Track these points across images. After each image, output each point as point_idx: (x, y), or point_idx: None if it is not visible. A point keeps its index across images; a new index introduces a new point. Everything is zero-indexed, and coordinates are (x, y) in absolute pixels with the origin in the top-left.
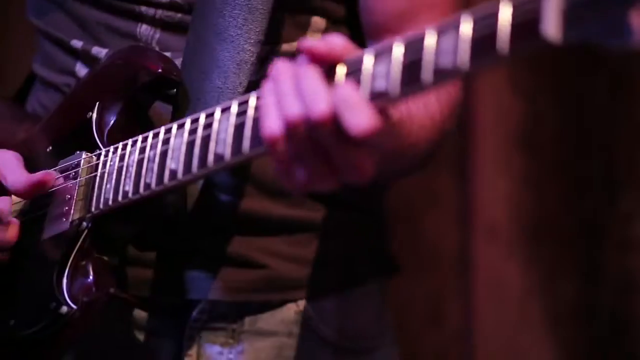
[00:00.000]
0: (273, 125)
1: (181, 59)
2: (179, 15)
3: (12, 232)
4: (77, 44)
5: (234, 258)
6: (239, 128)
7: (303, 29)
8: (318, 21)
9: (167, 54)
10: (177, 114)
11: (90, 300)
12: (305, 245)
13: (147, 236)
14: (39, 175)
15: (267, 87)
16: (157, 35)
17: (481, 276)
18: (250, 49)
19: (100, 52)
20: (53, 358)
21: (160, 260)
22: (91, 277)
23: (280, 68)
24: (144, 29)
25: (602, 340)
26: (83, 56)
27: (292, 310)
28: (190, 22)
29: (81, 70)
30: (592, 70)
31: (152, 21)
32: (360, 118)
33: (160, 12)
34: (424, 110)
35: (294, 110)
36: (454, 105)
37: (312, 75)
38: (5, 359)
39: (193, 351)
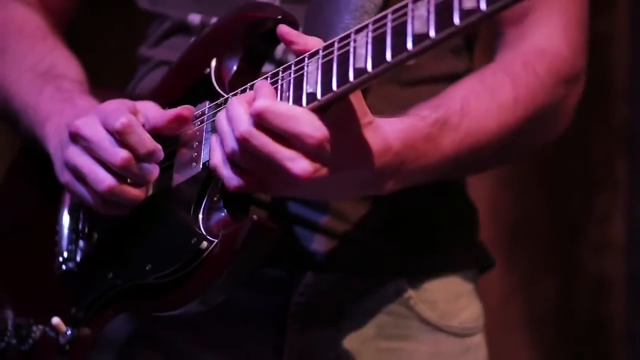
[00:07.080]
0: None
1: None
2: None
3: (155, 171)
4: (194, 18)
5: (336, 234)
6: (379, 38)
7: None
8: None
9: None
10: None
11: (230, 232)
12: (405, 228)
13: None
14: (177, 109)
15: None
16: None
17: None
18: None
19: None
20: (184, 302)
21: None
22: (225, 212)
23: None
24: None
25: (580, 341)
26: (201, 30)
27: (391, 289)
28: None
29: None
30: None
31: None
32: None
33: None
34: (487, 98)
35: None
36: (538, 97)
37: None
38: (136, 308)
39: (296, 328)
